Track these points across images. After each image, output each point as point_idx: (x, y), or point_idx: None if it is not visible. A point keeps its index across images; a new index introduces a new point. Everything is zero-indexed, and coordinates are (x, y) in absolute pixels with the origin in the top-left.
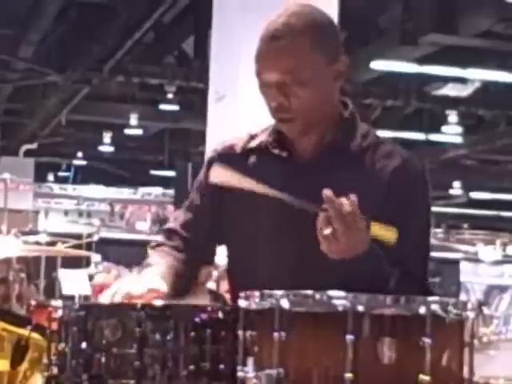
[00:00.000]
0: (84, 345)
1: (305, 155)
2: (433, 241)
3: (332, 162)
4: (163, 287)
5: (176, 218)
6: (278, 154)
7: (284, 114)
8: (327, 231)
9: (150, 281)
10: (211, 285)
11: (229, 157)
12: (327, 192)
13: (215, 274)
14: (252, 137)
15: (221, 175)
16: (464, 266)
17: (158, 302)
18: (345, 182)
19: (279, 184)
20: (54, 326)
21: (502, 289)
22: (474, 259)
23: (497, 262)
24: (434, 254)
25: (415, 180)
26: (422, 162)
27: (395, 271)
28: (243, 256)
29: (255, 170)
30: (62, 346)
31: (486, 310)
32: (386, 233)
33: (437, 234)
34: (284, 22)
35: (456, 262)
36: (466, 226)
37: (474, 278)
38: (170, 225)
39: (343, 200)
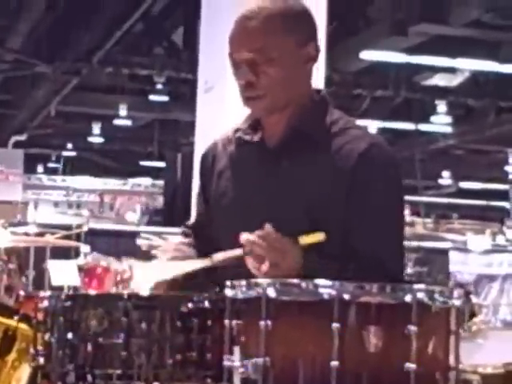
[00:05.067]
0: (70, 335)
1: (274, 140)
2: (422, 230)
3: (298, 147)
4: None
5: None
6: (250, 140)
7: (252, 91)
8: (264, 267)
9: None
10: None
11: (214, 152)
12: (243, 238)
13: None
14: (236, 130)
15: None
16: (453, 256)
17: (144, 292)
18: (310, 166)
19: (251, 169)
20: (41, 316)
21: (491, 278)
22: (464, 249)
23: (486, 252)
24: (423, 243)
25: (381, 165)
26: (390, 148)
27: (348, 266)
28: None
29: (233, 159)
30: (48, 336)
31: (475, 299)
32: (314, 238)
33: (426, 223)
34: (258, 5)
35: (445, 252)
36: (455, 215)
37: (464, 268)
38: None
39: (260, 234)
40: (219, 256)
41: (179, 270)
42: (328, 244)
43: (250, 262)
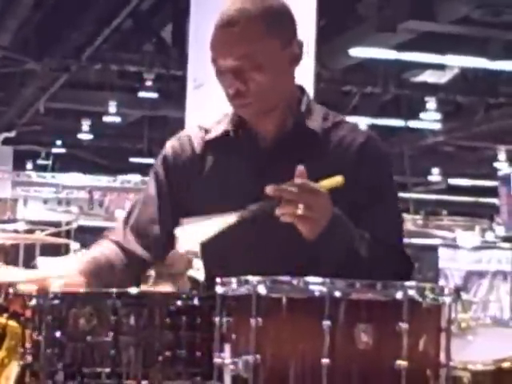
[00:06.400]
0: (58, 333)
1: (267, 140)
2: (411, 227)
3: (296, 144)
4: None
5: (132, 210)
6: (240, 141)
7: (241, 99)
8: (299, 210)
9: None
10: (192, 272)
11: (189, 150)
12: (269, 189)
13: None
14: (206, 130)
15: (187, 242)
16: (443, 252)
17: (133, 290)
18: (311, 162)
19: (244, 171)
20: (28, 313)
21: (481, 275)
22: (453, 245)
23: (475, 248)
24: (412, 240)
25: (381, 156)
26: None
27: (364, 234)
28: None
29: (219, 159)
30: (36, 334)
31: (464, 296)
32: (333, 182)
33: (416, 220)
34: (238, 8)
35: (435, 249)
36: (444, 212)
37: (453, 264)
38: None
39: (290, 183)
40: (251, 207)
41: (215, 226)
42: None
43: (283, 210)
